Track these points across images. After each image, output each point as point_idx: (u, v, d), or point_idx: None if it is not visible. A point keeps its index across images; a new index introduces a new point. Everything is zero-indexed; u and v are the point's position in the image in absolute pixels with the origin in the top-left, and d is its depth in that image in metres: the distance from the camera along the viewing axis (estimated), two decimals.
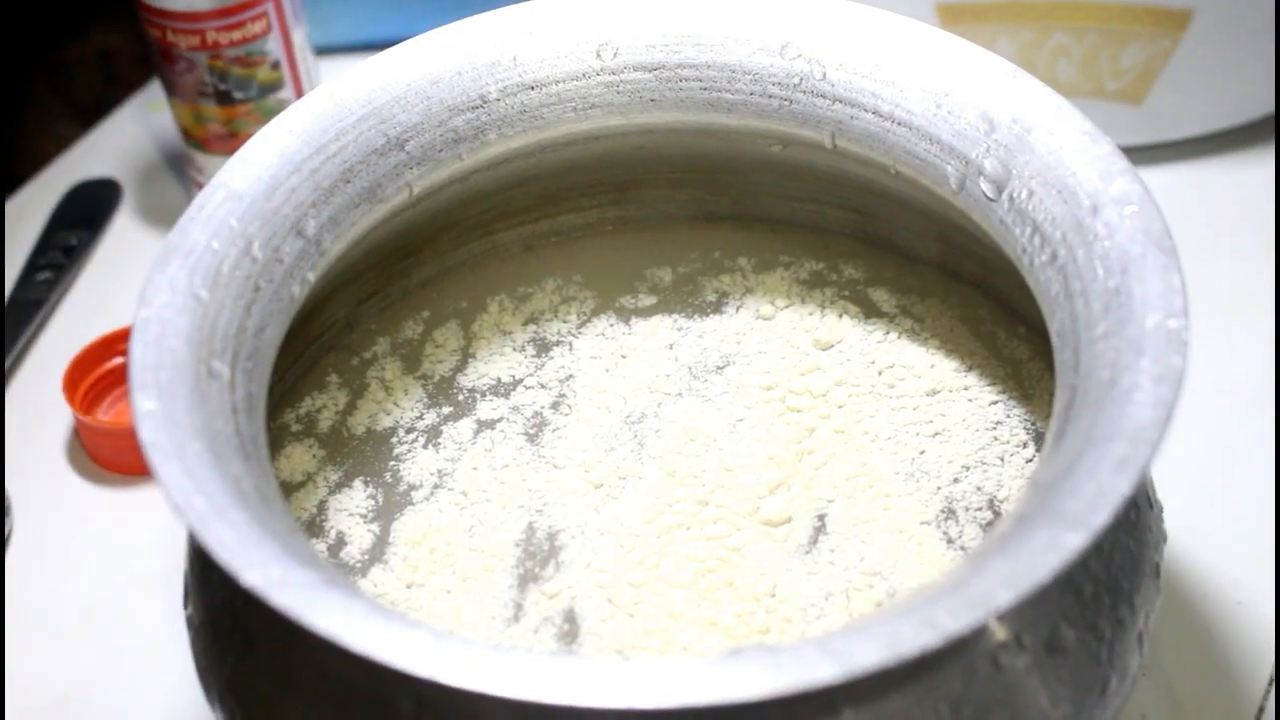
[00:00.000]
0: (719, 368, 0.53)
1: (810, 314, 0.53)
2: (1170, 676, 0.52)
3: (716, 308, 0.54)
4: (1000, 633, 0.37)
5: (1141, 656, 0.41)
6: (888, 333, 0.52)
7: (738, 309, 0.54)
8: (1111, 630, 0.39)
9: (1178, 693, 0.51)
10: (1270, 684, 0.52)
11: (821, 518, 0.48)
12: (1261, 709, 0.51)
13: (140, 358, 0.39)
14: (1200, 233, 0.70)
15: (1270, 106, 0.74)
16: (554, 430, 0.51)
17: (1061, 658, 0.38)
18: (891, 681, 0.36)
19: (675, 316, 0.54)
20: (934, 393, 0.50)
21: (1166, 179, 0.73)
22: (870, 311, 0.53)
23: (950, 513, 0.47)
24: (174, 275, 0.41)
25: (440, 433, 0.51)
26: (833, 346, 0.52)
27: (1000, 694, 0.37)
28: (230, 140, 0.71)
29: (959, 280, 0.53)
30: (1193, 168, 0.74)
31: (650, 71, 0.48)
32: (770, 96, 0.47)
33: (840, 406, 0.50)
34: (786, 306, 0.54)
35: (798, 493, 0.48)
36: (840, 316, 0.53)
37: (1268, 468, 0.59)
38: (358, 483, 0.50)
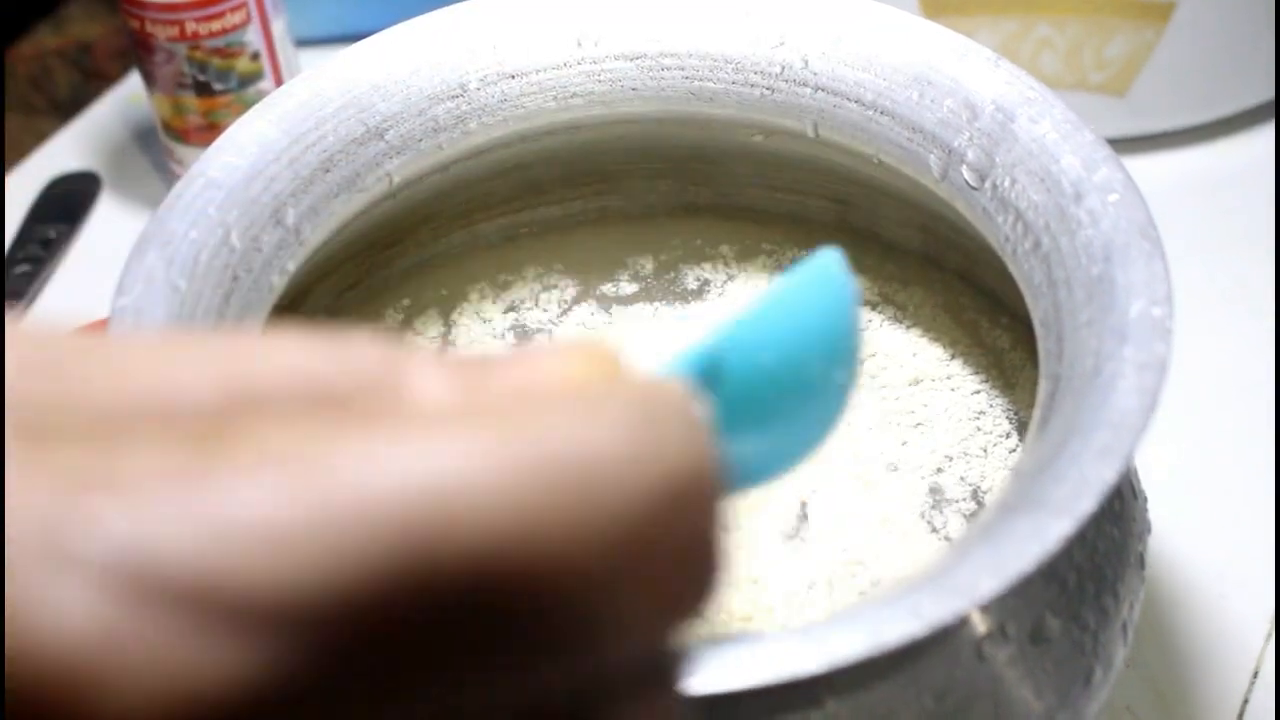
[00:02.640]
0: None
1: None
2: (1155, 669, 0.52)
3: (698, 295, 0.54)
4: (984, 622, 0.37)
5: (1126, 647, 0.41)
6: (870, 320, 0.52)
7: (720, 296, 0.54)
8: (1096, 620, 0.39)
9: (1162, 685, 0.51)
10: (1255, 676, 0.52)
11: (805, 506, 0.47)
12: (1246, 701, 0.51)
13: None
14: (1193, 222, 0.70)
15: (1257, 97, 0.74)
16: None
17: (1046, 647, 0.38)
18: (875, 672, 0.35)
19: (657, 304, 0.54)
20: (916, 382, 0.50)
21: (1154, 169, 0.73)
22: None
23: (934, 503, 0.47)
24: (151, 264, 0.41)
25: None
26: None
27: (984, 684, 0.37)
28: (210, 132, 0.71)
29: (941, 270, 0.53)
30: (1182, 158, 0.74)
31: (631, 60, 0.48)
32: (752, 85, 0.47)
33: None
34: None
35: (781, 480, 0.48)
36: None
37: (1255, 460, 0.59)
38: None
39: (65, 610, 0.15)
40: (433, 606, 0.16)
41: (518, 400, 0.18)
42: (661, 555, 0.17)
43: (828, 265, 0.24)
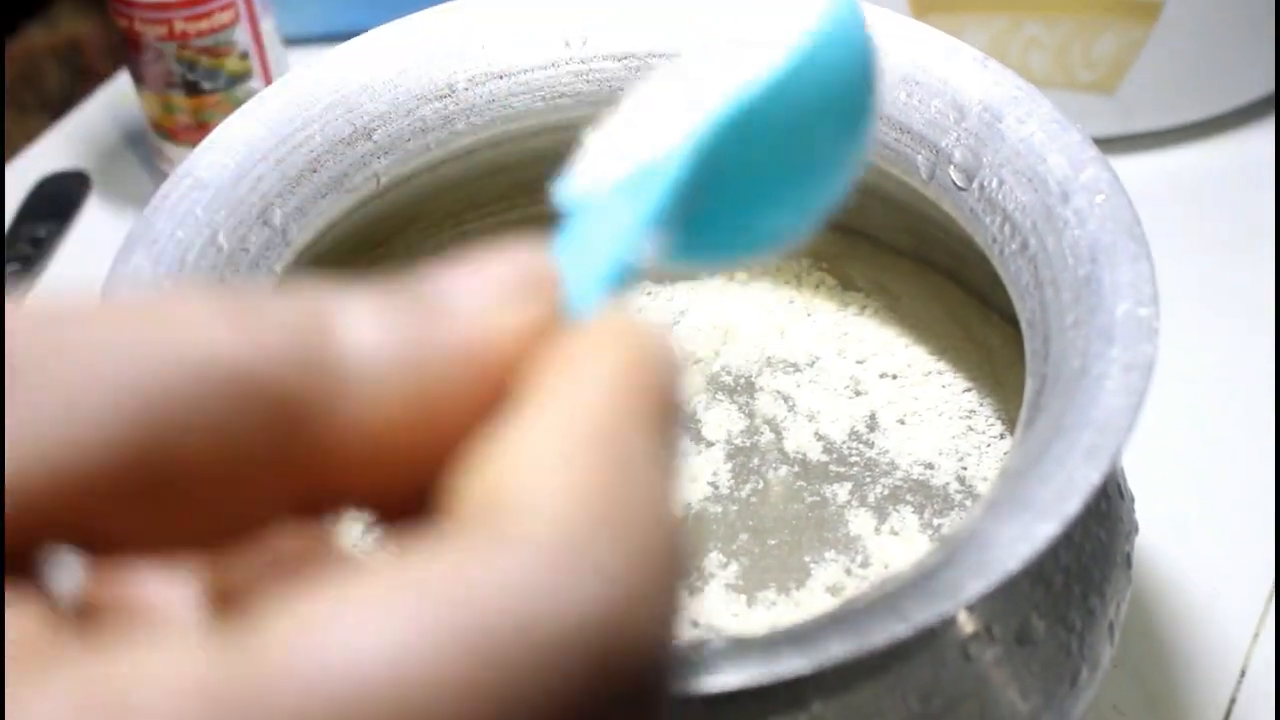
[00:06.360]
0: None
1: (786, 282, 0.53)
2: (1143, 668, 0.52)
3: (688, 272, 0.54)
4: (970, 624, 0.37)
5: (1112, 647, 0.41)
6: (863, 308, 0.52)
7: (711, 273, 0.54)
8: (1082, 621, 0.39)
9: (1150, 684, 0.51)
10: (1242, 675, 0.52)
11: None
12: (1234, 700, 0.51)
13: None
14: (1182, 222, 0.70)
15: (1245, 97, 0.74)
16: None
17: (1032, 649, 0.38)
18: (861, 673, 0.35)
19: (644, 280, 0.54)
20: (908, 377, 0.50)
21: (1143, 169, 0.73)
22: (846, 284, 0.53)
23: (926, 501, 0.47)
24: (137, 265, 0.40)
25: None
26: (808, 317, 0.52)
27: (970, 685, 0.37)
28: (199, 131, 0.71)
29: (931, 269, 0.53)
30: (1171, 157, 0.74)
31: (619, 60, 0.48)
32: None
33: (813, 381, 0.50)
34: (761, 273, 0.53)
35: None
36: (817, 287, 0.53)
37: (1244, 461, 0.59)
38: None
39: None
40: None
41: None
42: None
43: (843, 16, 0.22)
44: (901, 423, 0.49)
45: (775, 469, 0.48)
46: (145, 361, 0.16)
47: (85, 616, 0.17)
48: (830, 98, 0.21)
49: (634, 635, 0.16)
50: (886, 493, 0.47)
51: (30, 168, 0.80)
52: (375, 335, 0.17)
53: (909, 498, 0.47)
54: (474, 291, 0.18)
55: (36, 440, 0.16)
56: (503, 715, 0.15)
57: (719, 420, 0.50)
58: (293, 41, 0.79)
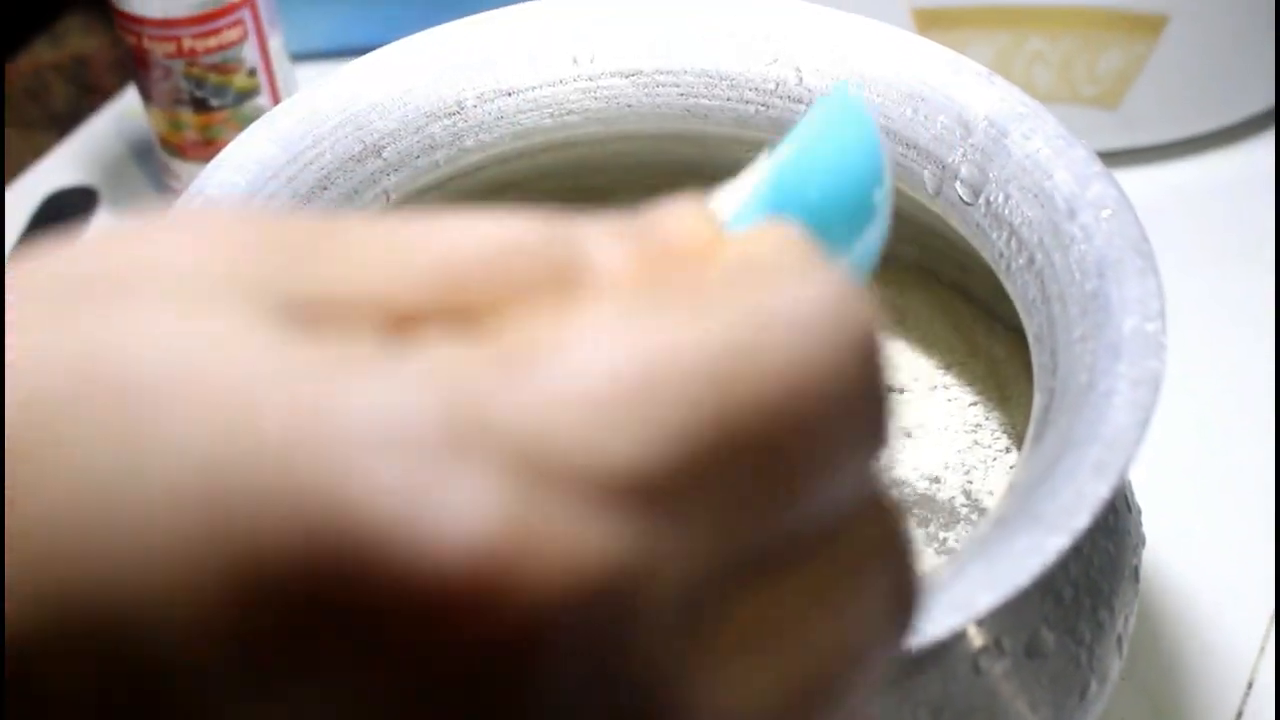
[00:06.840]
0: None
1: None
2: (1150, 681, 0.52)
3: None
4: (980, 637, 0.37)
5: (1121, 660, 0.41)
6: None
7: None
8: (1091, 634, 0.39)
9: (1158, 697, 0.51)
10: (1249, 688, 0.52)
11: None
12: (1241, 713, 0.51)
13: None
14: (1187, 236, 0.70)
15: (1249, 110, 0.74)
16: None
17: (1041, 662, 0.38)
18: None
19: None
20: (914, 391, 0.50)
21: (1147, 183, 0.73)
22: None
23: (933, 514, 0.47)
24: None
25: None
26: None
27: (980, 699, 0.37)
28: (207, 147, 0.71)
29: (938, 282, 0.53)
30: (1175, 171, 0.74)
31: (627, 77, 0.48)
32: (747, 102, 0.47)
33: None
34: None
35: None
36: None
37: (1249, 473, 0.59)
38: None
39: (470, 506, 0.15)
40: (744, 452, 0.17)
41: (699, 269, 0.19)
42: (870, 391, 0.19)
43: (845, 99, 0.25)
44: (908, 436, 0.49)
45: None
46: (454, 235, 0.19)
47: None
48: (850, 165, 0.24)
49: (859, 311, 0.19)
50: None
51: (38, 183, 0.80)
52: (618, 259, 0.20)
53: (915, 511, 0.47)
54: (670, 212, 0.21)
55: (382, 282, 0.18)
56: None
57: None
58: (300, 58, 0.79)
